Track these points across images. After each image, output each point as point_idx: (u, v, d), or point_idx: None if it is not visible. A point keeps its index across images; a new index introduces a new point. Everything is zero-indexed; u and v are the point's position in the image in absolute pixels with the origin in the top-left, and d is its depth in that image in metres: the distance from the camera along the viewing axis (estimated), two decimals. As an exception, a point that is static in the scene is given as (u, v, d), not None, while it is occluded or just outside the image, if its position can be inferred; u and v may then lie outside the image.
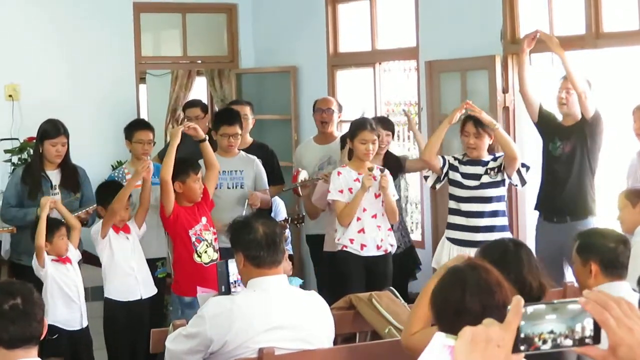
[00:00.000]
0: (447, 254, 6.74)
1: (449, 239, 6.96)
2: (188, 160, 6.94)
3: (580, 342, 1.79)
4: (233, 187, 7.47)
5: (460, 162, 6.96)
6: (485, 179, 6.82)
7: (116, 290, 6.71)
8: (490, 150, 6.96)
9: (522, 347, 1.78)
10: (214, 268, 6.51)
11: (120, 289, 6.72)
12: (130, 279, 6.72)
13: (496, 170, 6.82)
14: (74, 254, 6.64)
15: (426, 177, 7.25)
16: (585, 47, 7.32)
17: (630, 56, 7.63)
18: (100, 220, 6.81)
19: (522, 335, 1.78)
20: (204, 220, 6.72)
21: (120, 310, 6.69)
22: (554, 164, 7.16)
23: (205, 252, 6.69)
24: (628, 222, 5.93)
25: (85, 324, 6.60)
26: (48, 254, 6.45)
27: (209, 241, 6.70)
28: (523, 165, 6.86)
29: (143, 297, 6.77)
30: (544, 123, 7.26)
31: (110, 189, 6.85)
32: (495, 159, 6.88)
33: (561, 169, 7.10)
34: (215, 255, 6.70)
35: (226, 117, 7.65)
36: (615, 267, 4.53)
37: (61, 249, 6.50)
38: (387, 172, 7.07)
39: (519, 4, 7.75)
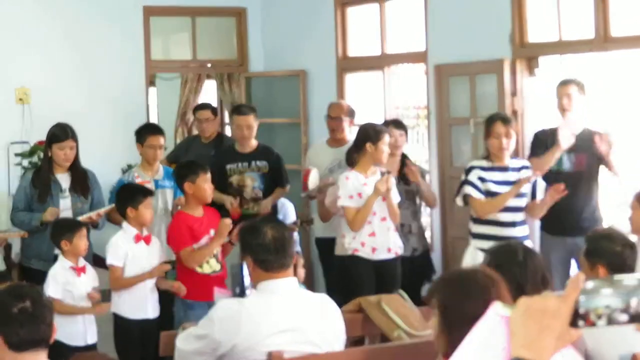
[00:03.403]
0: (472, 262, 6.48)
1: (479, 249, 6.59)
2: (196, 161, 7.04)
3: (636, 318, 1.77)
4: None
5: (486, 169, 6.72)
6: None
7: (129, 307, 6.55)
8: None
9: (580, 323, 1.78)
10: (217, 277, 6.59)
11: (134, 307, 6.57)
12: (141, 296, 6.59)
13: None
14: (92, 272, 6.54)
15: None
16: (594, 50, 7.33)
17: (638, 58, 7.62)
18: (124, 228, 6.67)
19: (581, 311, 1.78)
20: (212, 232, 6.71)
21: (134, 326, 6.53)
22: (558, 179, 6.82)
23: (208, 262, 6.68)
24: (636, 223, 5.96)
25: (91, 341, 6.38)
26: (64, 254, 6.37)
27: (214, 253, 6.71)
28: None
29: (150, 317, 6.61)
30: (543, 147, 7.04)
31: (129, 192, 6.79)
32: (527, 169, 6.71)
33: (568, 184, 6.73)
34: (218, 266, 6.70)
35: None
36: (622, 270, 4.51)
37: (80, 249, 6.37)
38: (391, 174, 7.10)
39: (527, 8, 7.75)
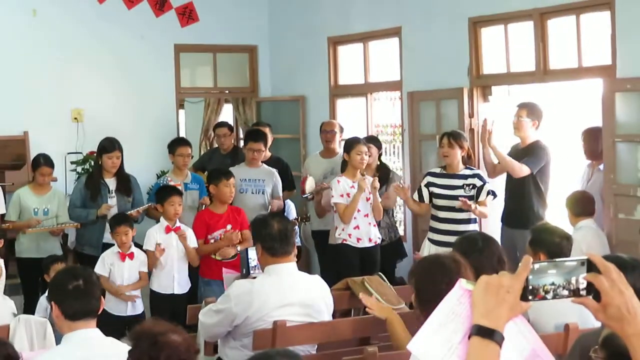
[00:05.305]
0: (427, 252, 6.55)
1: (429, 239, 6.82)
2: (222, 169, 7.02)
3: (575, 292, 1.79)
4: (256, 193, 7.47)
5: (437, 175, 6.82)
6: (459, 192, 6.64)
7: (160, 284, 6.55)
8: (465, 163, 6.81)
9: (530, 297, 1.80)
10: (227, 263, 6.55)
11: (163, 284, 6.56)
12: (169, 275, 6.56)
13: (471, 187, 6.67)
14: (142, 258, 6.45)
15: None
16: (535, 81, 7.32)
17: (571, 88, 7.63)
18: (161, 221, 6.66)
19: (530, 287, 1.80)
20: (228, 227, 6.68)
21: (164, 299, 6.51)
22: (510, 183, 6.92)
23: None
24: (569, 220, 6.14)
25: (134, 312, 6.31)
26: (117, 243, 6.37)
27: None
28: (493, 193, 6.72)
29: (177, 293, 6.56)
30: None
31: (165, 192, 6.77)
32: (474, 177, 6.70)
33: (514, 187, 6.84)
34: (228, 256, 6.67)
35: (253, 135, 7.67)
36: (559, 258, 4.51)
37: (118, 242, 6.36)
38: (367, 176, 7.08)
39: (482, 47, 7.74)
